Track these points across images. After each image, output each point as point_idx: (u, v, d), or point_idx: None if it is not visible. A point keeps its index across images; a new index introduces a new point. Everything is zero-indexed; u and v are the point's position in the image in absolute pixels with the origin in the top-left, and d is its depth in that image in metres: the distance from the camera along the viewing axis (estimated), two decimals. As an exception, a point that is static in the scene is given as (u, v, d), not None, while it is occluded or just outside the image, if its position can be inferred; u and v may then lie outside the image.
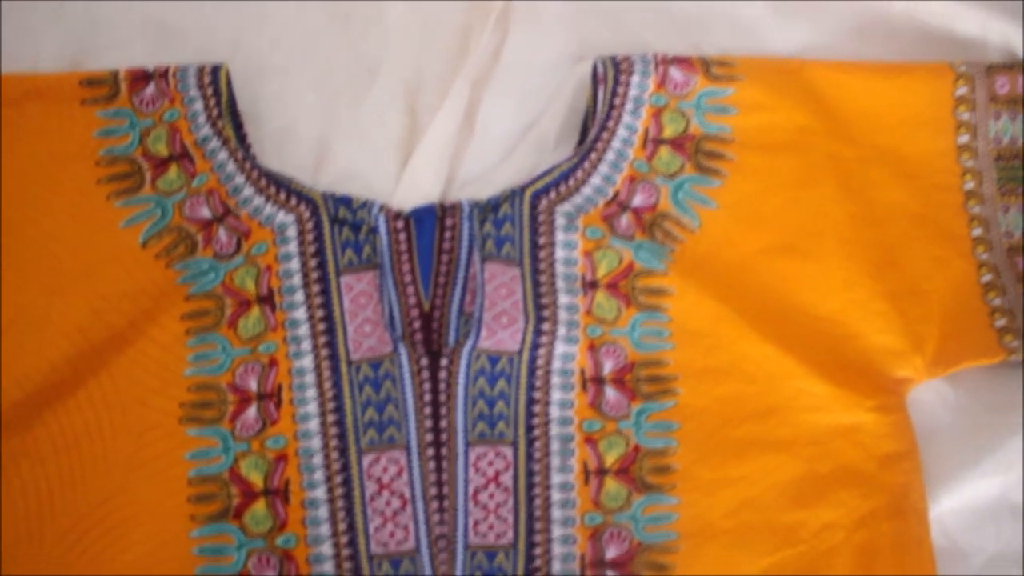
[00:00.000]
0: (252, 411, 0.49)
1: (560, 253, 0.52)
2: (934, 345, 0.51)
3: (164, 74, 0.53)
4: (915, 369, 0.51)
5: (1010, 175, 0.54)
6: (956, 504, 0.51)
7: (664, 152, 0.53)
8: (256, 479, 0.49)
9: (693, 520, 0.49)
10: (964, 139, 0.54)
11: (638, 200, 0.53)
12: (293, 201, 0.52)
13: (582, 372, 0.50)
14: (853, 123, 0.54)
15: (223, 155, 0.52)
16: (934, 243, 0.53)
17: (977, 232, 0.53)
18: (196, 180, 0.52)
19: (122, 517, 0.48)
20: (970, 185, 0.54)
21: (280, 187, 0.52)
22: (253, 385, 0.50)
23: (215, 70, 0.53)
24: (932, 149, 0.54)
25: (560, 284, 0.51)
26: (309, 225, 0.51)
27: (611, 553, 0.49)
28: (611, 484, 0.49)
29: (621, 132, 0.53)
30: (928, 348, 0.51)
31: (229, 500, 0.48)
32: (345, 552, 0.48)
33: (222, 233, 0.51)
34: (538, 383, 0.50)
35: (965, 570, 0.51)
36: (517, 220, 0.52)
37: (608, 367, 0.50)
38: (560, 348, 0.50)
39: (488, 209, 0.52)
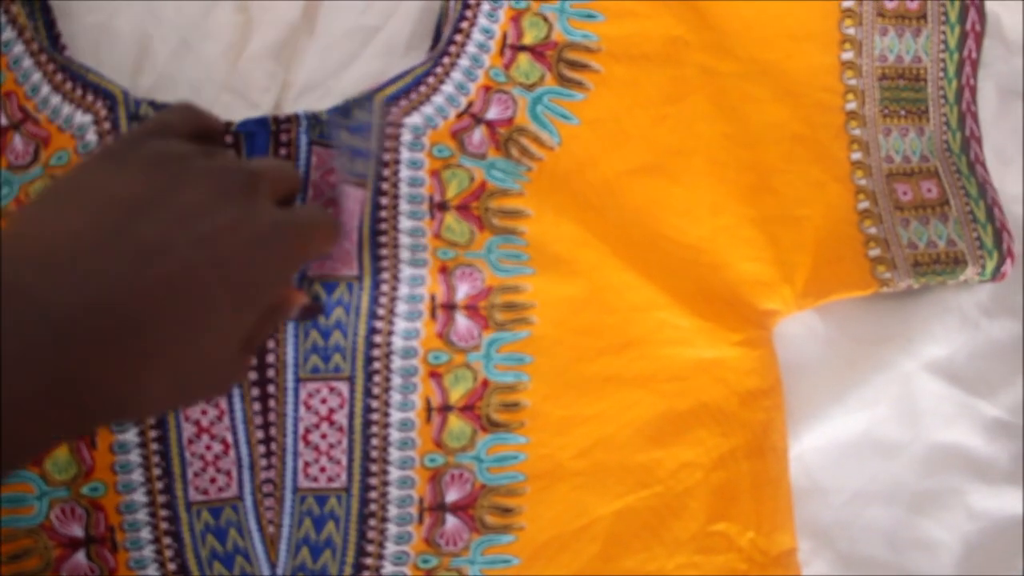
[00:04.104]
0: None
1: (405, 172, 0.47)
2: (805, 275, 0.49)
3: None
4: (784, 300, 0.48)
5: (893, 96, 0.51)
6: (819, 441, 0.49)
7: (523, 60, 0.49)
8: None
9: (541, 461, 0.46)
10: (848, 55, 0.50)
11: (493, 113, 0.48)
12: (90, 98, 0.45)
13: (432, 298, 0.46)
14: (733, 35, 0.50)
15: (19, 48, 0.45)
16: (812, 166, 0.50)
17: (856, 156, 0.50)
18: None
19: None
20: (852, 105, 0.50)
21: (77, 81, 0.45)
22: None
23: None
24: (816, 65, 0.50)
25: (404, 206, 0.46)
26: (107, 125, 0.45)
27: (452, 496, 0.45)
28: (455, 422, 0.45)
29: (476, 36, 0.48)
30: (799, 278, 0.49)
31: (27, 443, 0.43)
32: (161, 500, 0.44)
33: (18, 141, 0.45)
34: (381, 311, 0.45)
35: (825, 509, 0.49)
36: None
37: (463, 291, 0.46)
38: (406, 271, 0.46)
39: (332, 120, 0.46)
